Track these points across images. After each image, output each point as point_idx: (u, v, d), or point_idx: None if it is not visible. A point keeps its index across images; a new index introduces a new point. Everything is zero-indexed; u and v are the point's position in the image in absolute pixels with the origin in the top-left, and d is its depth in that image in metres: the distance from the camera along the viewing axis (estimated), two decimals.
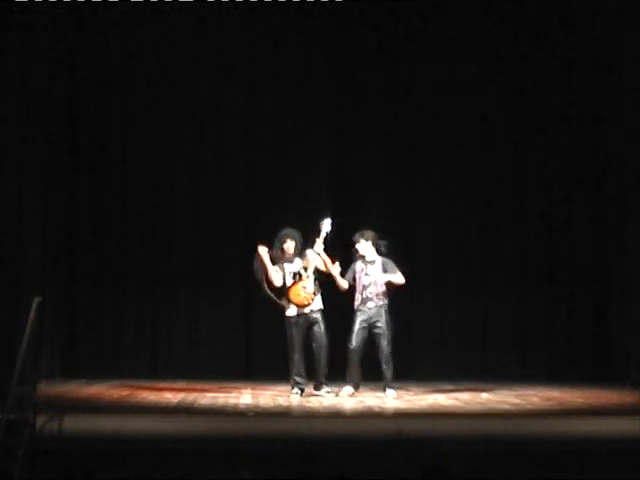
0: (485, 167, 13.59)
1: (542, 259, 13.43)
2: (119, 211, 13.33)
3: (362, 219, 11.67)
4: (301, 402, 10.52)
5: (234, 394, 11.13)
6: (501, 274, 13.43)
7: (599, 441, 8.35)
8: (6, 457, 7.70)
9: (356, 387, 11.01)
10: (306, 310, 10.90)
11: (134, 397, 10.79)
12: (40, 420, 8.17)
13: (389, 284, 10.99)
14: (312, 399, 10.66)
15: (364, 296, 10.96)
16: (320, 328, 10.90)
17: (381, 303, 10.94)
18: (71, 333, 13.10)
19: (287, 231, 11.10)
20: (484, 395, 11.19)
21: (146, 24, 13.08)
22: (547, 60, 13.38)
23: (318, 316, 10.92)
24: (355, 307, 10.99)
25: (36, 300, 8.65)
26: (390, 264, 11.01)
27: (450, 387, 11.83)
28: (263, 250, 10.88)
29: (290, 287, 10.92)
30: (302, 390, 10.93)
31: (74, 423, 8.33)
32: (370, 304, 10.95)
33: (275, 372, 11.90)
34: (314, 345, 10.93)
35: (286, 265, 10.99)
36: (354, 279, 10.99)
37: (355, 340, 10.91)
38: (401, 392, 11.12)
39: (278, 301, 10.94)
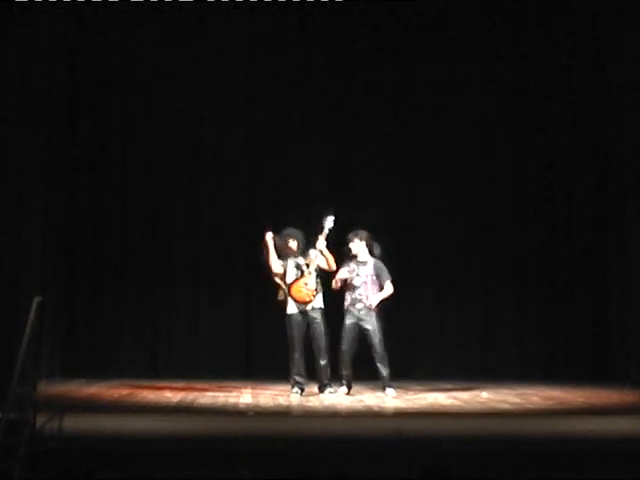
0: (485, 167, 13.58)
1: (542, 259, 13.42)
2: (119, 211, 13.33)
3: (362, 219, 11.68)
4: (301, 402, 10.52)
5: (234, 393, 11.12)
6: (501, 274, 13.43)
7: (599, 440, 8.34)
8: (6, 457, 7.69)
9: (348, 387, 11.02)
10: (307, 307, 10.91)
11: (134, 397, 10.79)
12: (40, 420, 8.17)
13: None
14: (312, 399, 10.66)
15: (353, 297, 10.95)
16: (320, 327, 10.91)
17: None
18: (71, 333, 13.09)
19: (290, 231, 11.12)
20: (484, 394, 11.18)
21: (146, 24, 13.07)
22: (547, 60, 13.38)
23: (318, 315, 10.92)
24: (345, 307, 10.99)
25: (36, 300, 8.64)
26: (382, 269, 10.97)
27: (450, 386, 11.82)
28: (269, 235, 10.96)
29: (292, 283, 10.93)
30: (302, 389, 10.93)
31: (74, 423, 8.32)
32: (359, 305, 10.93)
33: (275, 371, 11.92)
34: (313, 345, 10.94)
35: (290, 260, 11.03)
36: (345, 280, 10.96)
37: (345, 341, 10.92)
38: (401, 392, 11.11)
39: (281, 283, 10.96)
